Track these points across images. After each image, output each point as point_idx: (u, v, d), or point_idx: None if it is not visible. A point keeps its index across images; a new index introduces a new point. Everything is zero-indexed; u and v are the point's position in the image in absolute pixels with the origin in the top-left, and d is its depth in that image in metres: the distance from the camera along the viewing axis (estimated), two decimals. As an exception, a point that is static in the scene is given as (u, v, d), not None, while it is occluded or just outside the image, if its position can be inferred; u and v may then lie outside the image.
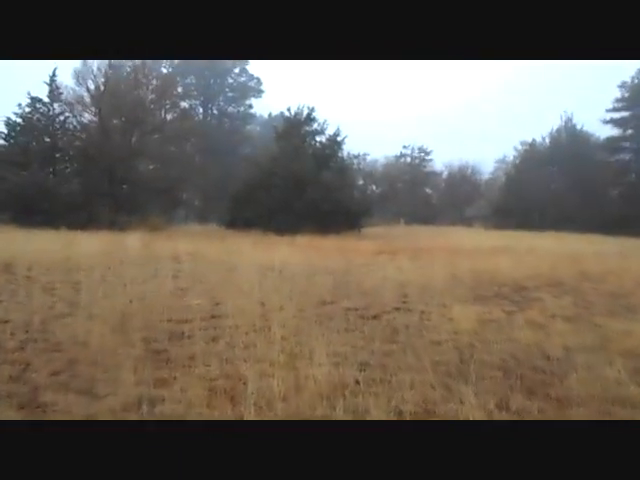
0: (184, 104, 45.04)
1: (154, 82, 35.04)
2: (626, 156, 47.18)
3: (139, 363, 4.72)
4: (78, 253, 12.28)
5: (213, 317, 6.98)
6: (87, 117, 33.40)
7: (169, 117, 37.07)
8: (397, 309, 7.99)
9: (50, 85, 31.61)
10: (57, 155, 31.82)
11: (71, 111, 32.43)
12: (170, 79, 38.92)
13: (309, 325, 6.61)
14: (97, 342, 5.28)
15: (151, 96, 34.45)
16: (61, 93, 32.13)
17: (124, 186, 32.20)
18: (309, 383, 4.44)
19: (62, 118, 32.05)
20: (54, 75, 31.62)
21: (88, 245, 14.06)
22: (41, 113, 31.48)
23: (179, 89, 43.59)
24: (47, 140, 31.48)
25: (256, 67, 57.53)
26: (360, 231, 29.18)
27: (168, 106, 36.31)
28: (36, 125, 31.23)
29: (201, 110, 54.68)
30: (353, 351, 5.54)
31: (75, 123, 32.97)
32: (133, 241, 15.15)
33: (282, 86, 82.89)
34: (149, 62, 45.68)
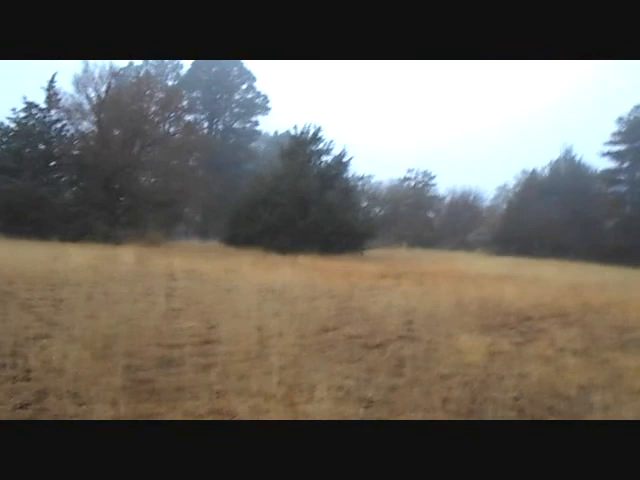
0: (189, 118, 44.92)
1: (159, 95, 34.67)
2: (622, 188, 48.64)
3: (120, 395, 4.24)
4: (66, 267, 11.74)
5: (206, 342, 6.54)
6: (85, 125, 32.54)
7: (172, 130, 36.65)
8: (402, 337, 7.60)
9: (48, 90, 30.80)
10: (51, 163, 30.80)
11: (69, 118, 31.53)
12: (175, 92, 38.68)
13: (309, 354, 6.24)
14: (74, 369, 4.77)
15: (154, 108, 34.02)
16: (59, 99, 31.29)
17: (122, 198, 31.36)
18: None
19: (59, 125, 31.14)
20: (53, 80, 30.96)
21: (78, 259, 13.51)
22: (37, 119, 30.54)
23: (184, 102, 43.44)
24: (42, 147, 30.51)
25: (264, 84, 57.31)
26: (363, 253, 28.76)
27: (172, 119, 35.89)
28: (31, 131, 30.19)
29: (206, 125, 54.53)
30: (356, 385, 5.14)
31: (72, 131, 32.00)
32: (127, 256, 14.61)
33: (289, 105, 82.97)
34: (154, 73, 45.99)
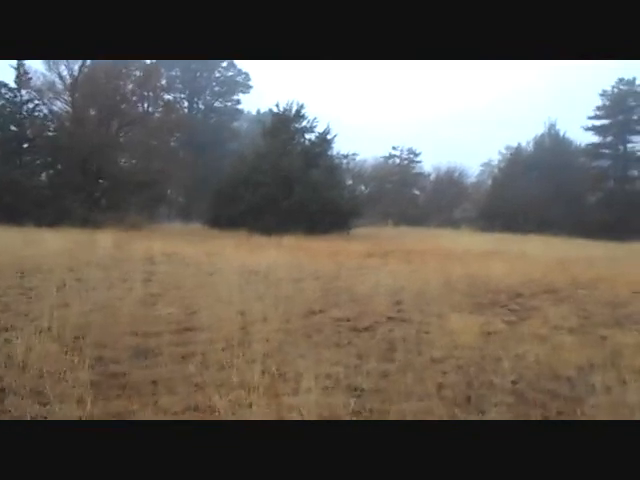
0: (168, 97, 43.82)
1: (136, 73, 33.55)
2: (605, 163, 48.65)
3: (89, 392, 3.87)
4: (38, 253, 11.21)
5: (186, 330, 6.18)
6: (59, 105, 31.33)
7: (151, 109, 35.63)
8: (391, 319, 7.33)
9: (18, 70, 29.50)
10: (24, 145, 29.78)
11: (41, 98, 30.34)
12: (153, 70, 37.46)
13: (295, 339, 5.93)
14: (40, 364, 4.37)
15: (131, 86, 32.91)
16: (30, 78, 30.01)
17: (101, 180, 30.38)
18: (294, 417, 3.76)
19: (31, 106, 29.98)
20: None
21: (52, 244, 12.95)
22: (7, 99, 29.47)
23: (163, 81, 42.28)
24: (13, 129, 29.46)
25: (245, 62, 56.06)
26: (349, 232, 28.34)
27: (151, 98, 34.83)
28: (1, 112, 29.13)
29: (186, 104, 53.37)
30: (345, 372, 4.83)
31: (45, 111, 30.83)
32: (105, 240, 14.05)
33: (272, 82, 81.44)
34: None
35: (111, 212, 27.23)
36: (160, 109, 36.42)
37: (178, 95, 52.36)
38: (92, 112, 30.97)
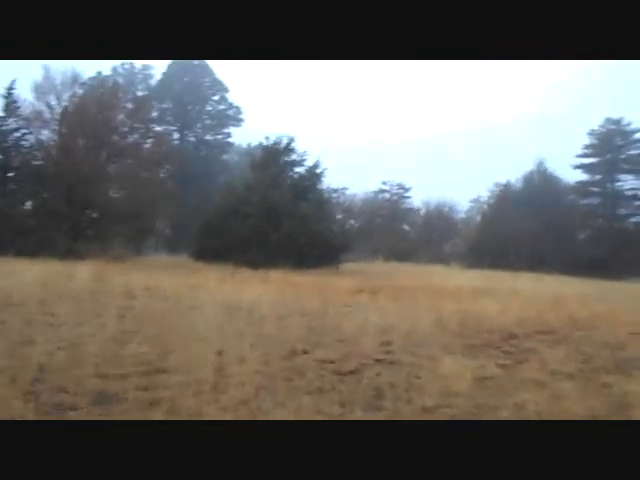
0: (159, 129, 43.79)
1: (127, 105, 33.51)
2: (595, 200, 49.49)
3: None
4: (12, 285, 10.71)
5: (158, 371, 5.70)
6: (46, 134, 31.02)
7: (141, 141, 35.42)
8: (379, 361, 6.89)
9: (6, 98, 29.39)
10: (9, 174, 29.34)
11: (28, 127, 30.08)
12: (145, 102, 37.52)
13: (274, 383, 5.48)
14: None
15: (122, 117, 32.76)
16: (18, 107, 29.91)
17: (87, 210, 29.87)
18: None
19: (18, 134, 29.69)
20: (11, 87, 29.60)
21: (27, 275, 12.42)
22: None
23: (154, 113, 42.30)
24: None
25: (237, 96, 56.45)
26: (338, 267, 27.92)
27: (141, 129, 34.68)
28: None
29: (177, 136, 53.48)
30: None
31: (32, 140, 30.55)
32: (84, 272, 13.50)
33: (263, 118, 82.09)
34: (123, 83, 44.87)
35: (96, 243, 26.74)
36: (150, 140, 36.25)
37: (169, 127, 52.50)
38: (80, 142, 30.63)
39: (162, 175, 39.43)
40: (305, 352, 7.18)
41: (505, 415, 4.74)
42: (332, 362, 6.71)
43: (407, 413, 4.80)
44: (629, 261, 38.77)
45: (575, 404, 5.11)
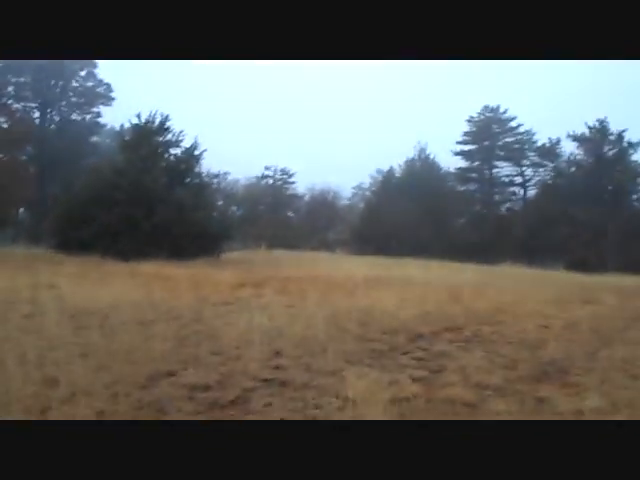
0: (17, 106, 38.78)
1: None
2: (473, 186, 51.62)
3: None
4: None
5: None
6: None
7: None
8: (268, 382, 5.41)
9: None
10: None
11: None
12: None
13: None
14: None
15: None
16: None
17: None
18: None
19: None
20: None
21: None
22: None
23: (10, 88, 37.30)
24: None
25: (107, 74, 51.37)
26: (219, 257, 25.89)
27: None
28: None
29: (38, 114, 47.90)
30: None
31: None
32: None
33: (138, 100, 76.64)
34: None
35: None
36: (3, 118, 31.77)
37: (28, 104, 46.89)
38: None
39: (21, 158, 34.87)
40: (171, 374, 5.50)
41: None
42: (206, 388, 5.11)
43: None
44: (505, 245, 40.66)
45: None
